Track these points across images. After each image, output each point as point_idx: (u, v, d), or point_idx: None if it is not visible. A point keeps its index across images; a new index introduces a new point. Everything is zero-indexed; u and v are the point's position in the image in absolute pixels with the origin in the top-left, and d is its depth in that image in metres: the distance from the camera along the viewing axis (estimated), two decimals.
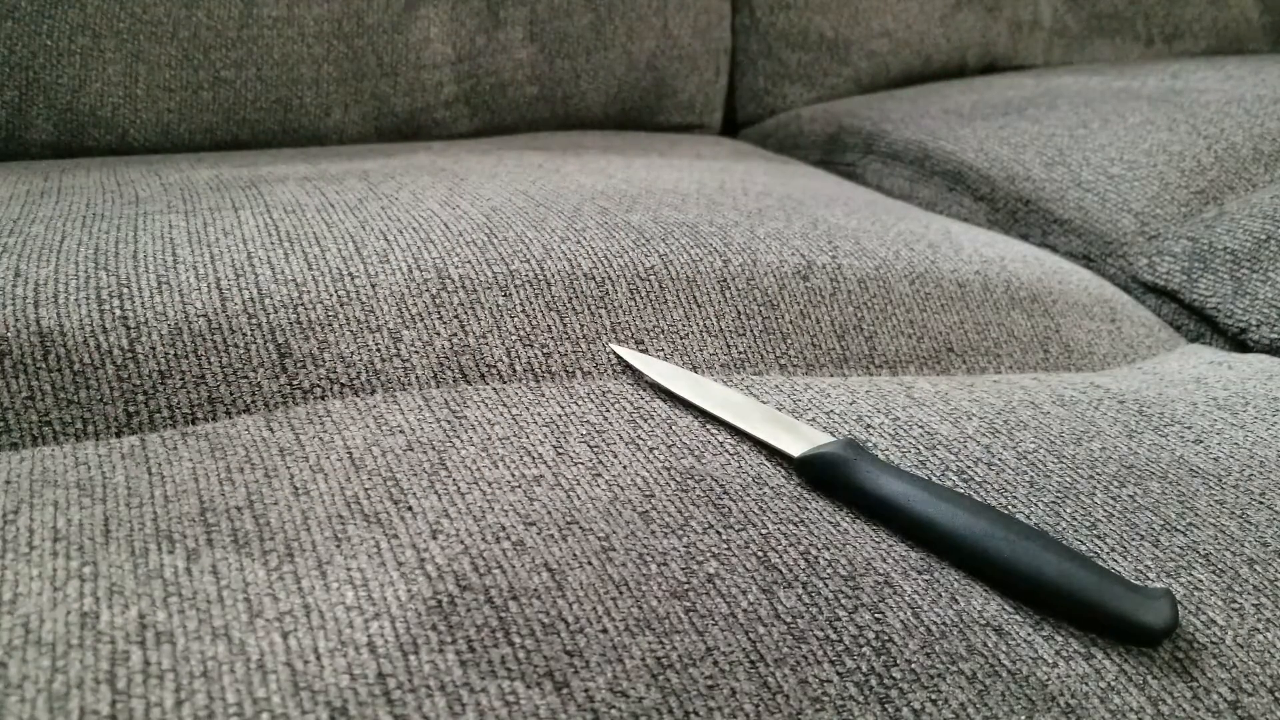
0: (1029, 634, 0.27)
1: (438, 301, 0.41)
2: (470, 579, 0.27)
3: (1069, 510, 0.33)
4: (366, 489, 0.31)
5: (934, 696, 0.25)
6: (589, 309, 0.43)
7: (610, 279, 0.44)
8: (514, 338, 0.41)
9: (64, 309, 0.38)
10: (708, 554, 0.29)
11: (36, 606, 0.26)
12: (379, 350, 0.39)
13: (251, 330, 0.39)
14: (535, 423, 0.35)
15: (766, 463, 0.34)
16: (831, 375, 0.44)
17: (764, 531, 0.30)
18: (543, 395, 0.37)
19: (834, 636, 0.27)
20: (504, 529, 0.29)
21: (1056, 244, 0.67)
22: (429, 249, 0.44)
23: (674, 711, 0.24)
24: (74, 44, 0.66)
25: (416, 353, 0.39)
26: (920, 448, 0.35)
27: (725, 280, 0.46)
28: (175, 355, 0.38)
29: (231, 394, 0.37)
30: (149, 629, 0.25)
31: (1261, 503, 0.34)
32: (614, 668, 0.25)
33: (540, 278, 0.43)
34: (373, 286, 0.41)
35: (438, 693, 0.24)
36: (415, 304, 0.41)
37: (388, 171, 0.56)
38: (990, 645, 0.27)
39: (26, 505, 0.30)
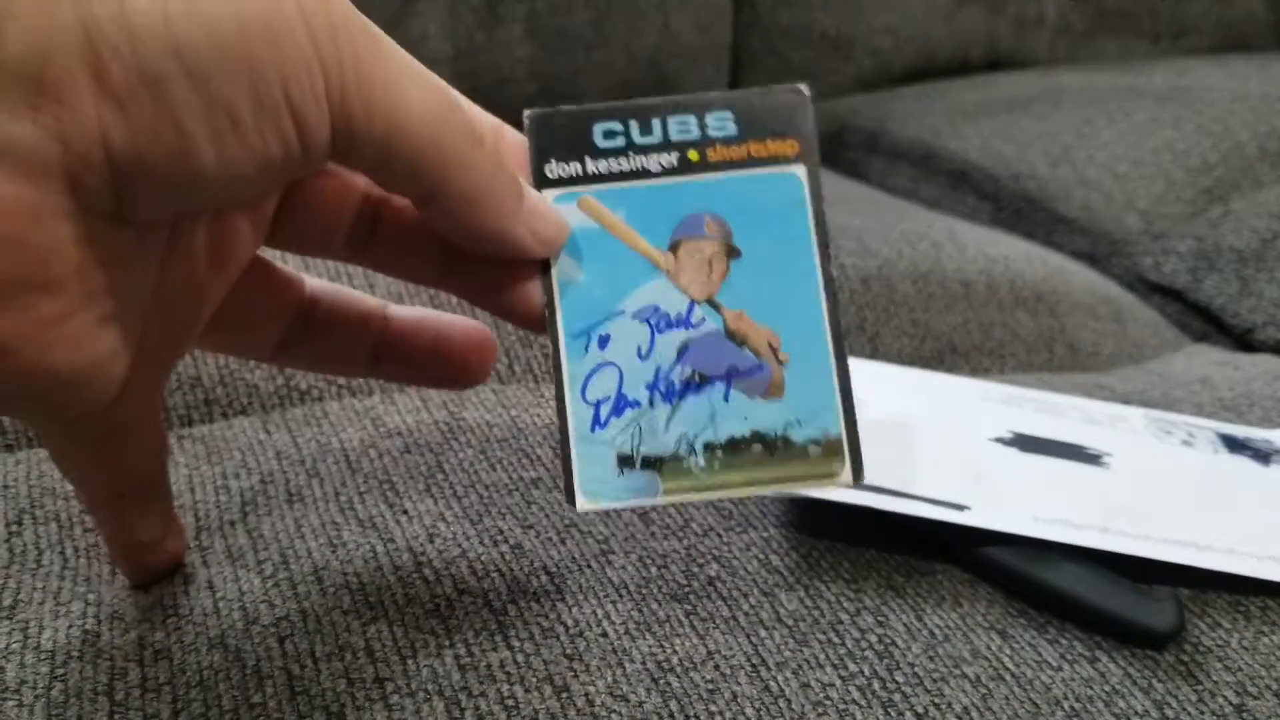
0: (1033, 637, 0.27)
1: (436, 302, 0.41)
2: (468, 582, 0.27)
3: None
4: (363, 492, 0.31)
5: (937, 700, 0.25)
6: None
7: None
8: (513, 338, 0.41)
9: None
10: (708, 556, 0.29)
11: (37, 615, 0.26)
12: None
13: None
14: (534, 425, 0.35)
15: None
16: None
17: (765, 534, 0.30)
18: (542, 396, 0.37)
19: (836, 640, 0.26)
20: (502, 532, 0.29)
21: (1061, 243, 0.67)
22: None
23: (675, 716, 0.24)
24: None
25: None
26: None
27: None
28: None
29: (228, 395, 0.37)
30: (147, 649, 0.25)
31: None
32: (614, 671, 0.25)
33: None
34: (370, 286, 0.41)
35: (436, 697, 0.24)
36: (413, 304, 0.40)
37: None
38: (994, 648, 0.27)
39: (29, 517, 0.30)
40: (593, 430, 0.24)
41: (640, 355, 0.25)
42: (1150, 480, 0.33)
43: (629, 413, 0.24)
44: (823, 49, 0.93)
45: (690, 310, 0.25)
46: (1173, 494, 0.32)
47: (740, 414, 0.24)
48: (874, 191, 0.71)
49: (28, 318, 0.18)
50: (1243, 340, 0.57)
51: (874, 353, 0.46)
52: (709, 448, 0.24)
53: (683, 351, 0.25)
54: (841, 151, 0.84)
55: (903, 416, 0.35)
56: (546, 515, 0.30)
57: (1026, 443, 0.34)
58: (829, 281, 0.25)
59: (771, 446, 0.24)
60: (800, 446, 0.24)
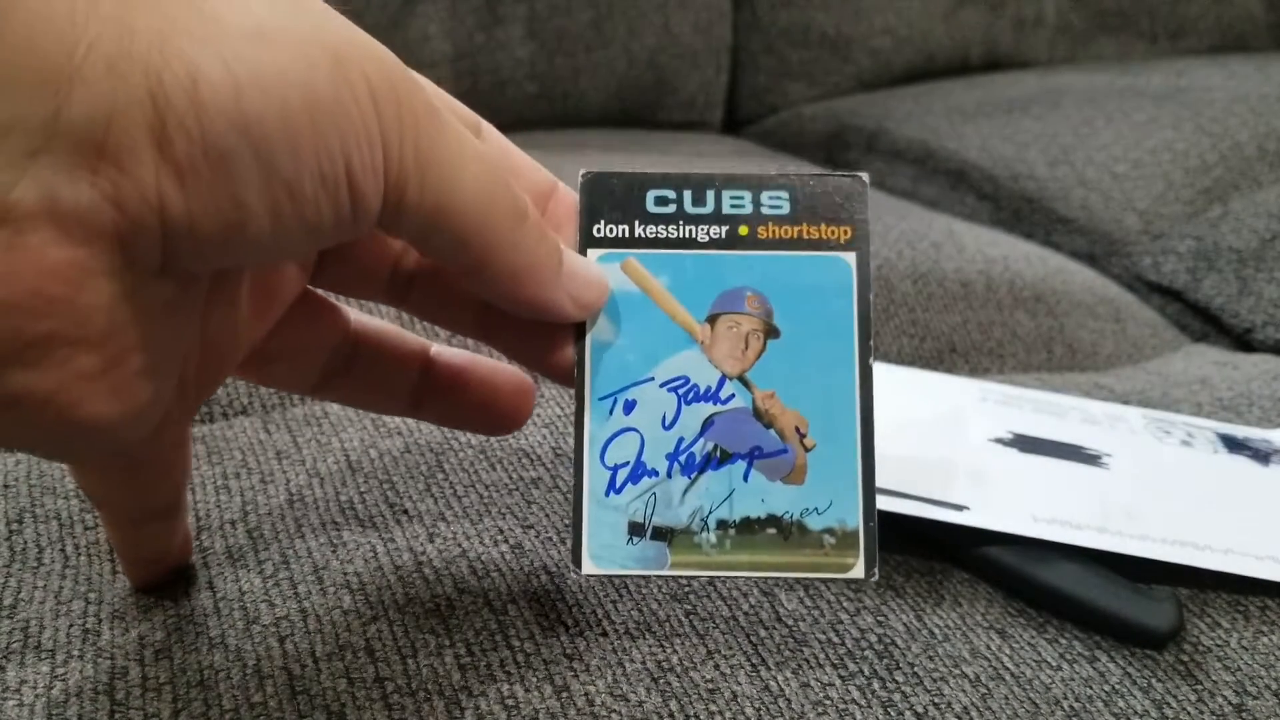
0: (1032, 637, 0.27)
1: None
2: (468, 582, 0.27)
3: None
4: (363, 492, 0.31)
5: (937, 700, 0.25)
6: None
7: None
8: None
9: None
10: None
11: (38, 613, 0.26)
12: None
13: None
14: (534, 424, 0.35)
15: None
16: None
17: None
18: (541, 396, 0.37)
19: (836, 639, 0.26)
20: (502, 532, 0.29)
21: (1060, 243, 0.67)
22: None
23: (674, 715, 0.24)
24: None
25: None
26: None
27: None
28: None
29: (228, 395, 0.37)
30: (148, 648, 0.25)
31: None
32: (614, 671, 0.25)
33: None
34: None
35: (436, 696, 0.24)
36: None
37: None
38: (993, 648, 0.27)
39: (30, 516, 0.30)
40: (607, 494, 0.24)
41: (664, 425, 0.24)
42: (1149, 480, 0.33)
43: (645, 481, 0.24)
44: (822, 49, 0.93)
45: (721, 385, 0.25)
46: (1171, 494, 0.32)
47: (758, 495, 0.24)
48: (874, 191, 0.71)
49: (66, 373, 0.17)
50: (1242, 340, 0.57)
51: (873, 352, 0.46)
52: (722, 525, 0.24)
53: (707, 425, 0.25)
54: (841, 151, 0.84)
55: (902, 416, 0.35)
56: (546, 515, 0.30)
57: (1025, 443, 0.34)
58: (866, 373, 0.25)
59: (786, 531, 0.24)
60: (815, 535, 0.24)
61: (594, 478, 0.24)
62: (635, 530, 0.24)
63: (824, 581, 0.27)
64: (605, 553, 0.24)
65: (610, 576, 0.25)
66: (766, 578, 0.24)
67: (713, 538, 0.24)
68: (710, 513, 0.24)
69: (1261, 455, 0.35)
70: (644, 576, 0.25)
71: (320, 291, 0.26)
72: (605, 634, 0.26)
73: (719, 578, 0.27)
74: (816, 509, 0.24)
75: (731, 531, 0.24)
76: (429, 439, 0.34)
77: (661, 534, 0.24)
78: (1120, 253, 0.64)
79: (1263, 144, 0.68)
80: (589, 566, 0.24)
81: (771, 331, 0.25)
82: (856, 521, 0.24)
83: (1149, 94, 0.77)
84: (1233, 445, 0.36)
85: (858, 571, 0.24)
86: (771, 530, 0.24)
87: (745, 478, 0.24)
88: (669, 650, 0.25)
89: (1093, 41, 1.00)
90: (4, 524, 0.30)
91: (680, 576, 0.25)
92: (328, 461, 0.32)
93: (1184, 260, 0.61)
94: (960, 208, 0.73)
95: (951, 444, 0.34)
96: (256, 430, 0.34)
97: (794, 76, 0.93)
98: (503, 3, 0.79)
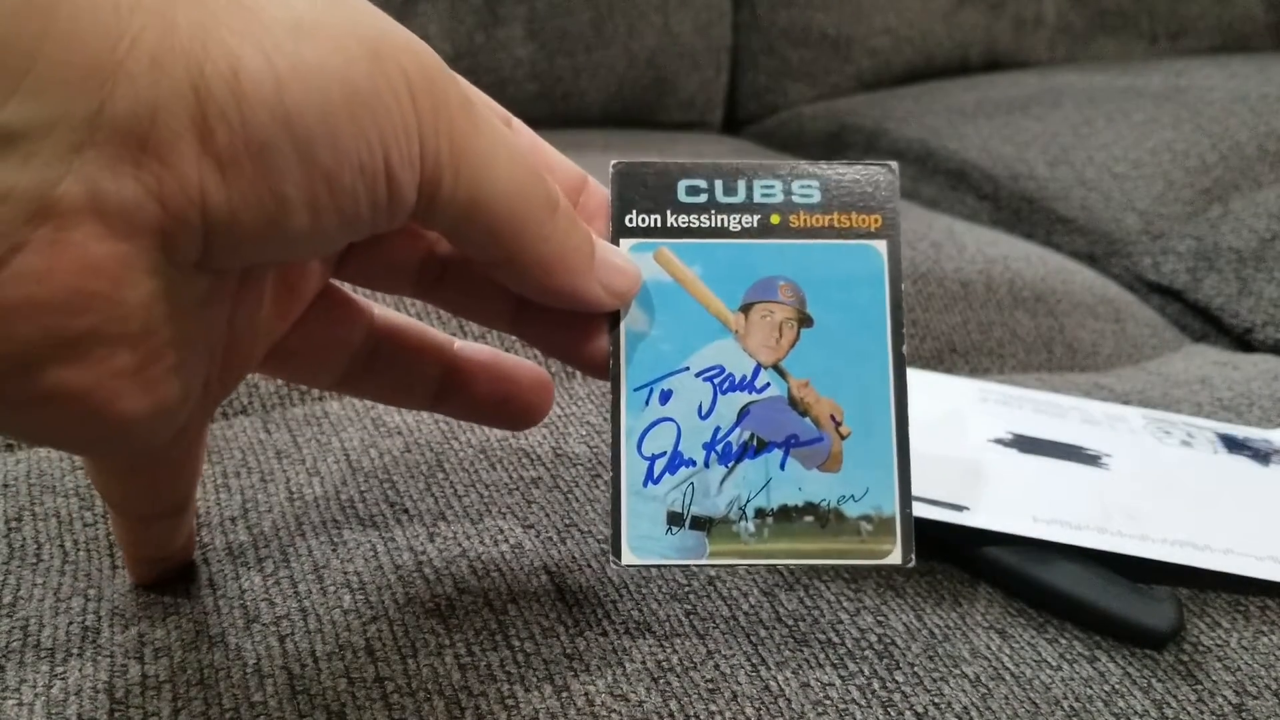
0: (1032, 637, 0.27)
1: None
2: (468, 582, 0.27)
3: None
4: (363, 491, 0.31)
5: (937, 700, 0.25)
6: None
7: None
8: (513, 337, 0.41)
9: None
10: None
11: (37, 611, 0.26)
12: None
13: None
14: None
15: None
16: None
17: None
18: None
19: (836, 639, 0.26)
20: (502, 531, 0.29)
21: (1060, 243, 0.67)
22: None
23: (675, 715, 0.24)
24: None
25: None
26: None
27: None
28: None
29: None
30: (148, 646, 0.25)
31: None
32: (614, 671, 0.25)
33: None
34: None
35: (436, 696, 0.24)
36: (413, 302, 0.40)
37: None
38: (993, 648, 0.27)
39: (29, 514, 0.30)
40: (645, 485, 0.24)
41: (700, 414, 0.25)
42: (1149, 480, 0.33)
43: (683, 471, 0.24)
44: (822, 49, 0.93)
45: (755, 374, 0.25)
46: (1172, 494, 0.32)
47: (795, 483, 0.24)
48: None
49: (103, 370, 0.17)
50: (1242, 340, 0.57)
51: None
52: (760, 514, 0.24)
53: (743, 415, 0.25)
54: (841, 151, 0.84)
55: None
56: (546, 515, 0.30)
57: (1025, 444, 0.34)
58: (899, 360, 0.25)
59: (823, 519, 0.24)
60: (852, 522, 0.24)
61: (631, 468, 0.24)
62: (674, 520, 0.24)
63: (862, 569, 0.27)
64: (644, 543, 0.24)
65: (650, 567, 0.25)
66: (804, 565, 0.24)
67: (751, 526, 0.24)
68: (748, 501, 0.24)
69: (1261, 455, 0.35)
70: (684, 566, 0.24)
71: (344, 287, 0.26)
72: (605, 634, 0.26)
73: (758, 566, 0.27)
74: (853, 496, 0.24)
75: (769, 520, 0.24)
76: (429, 439, 0.34)
77: (700, 523, 0.24)
78: (1120, 253, 0.64)
79: (1263, 144, 0.68)
80: (629, 557, 0.24)
81: (805, 320, 0.25)
82: (893, 508, 0.24)
83: (1149, 94, 0.77)
84: (1233, 445, 0.36)
85: (895, 558, 0.24)
86: (809, 518, 0.24)
87: (782, 466, 0.24)
88: (669, 650, 0.25)
89: (1093, 41, 1.00)
90: (3, 522, 0.30)
91: (720, 566, 0.24)
92: (328, 461, 0.32)
93: (1184, 260, 0.61)
94: (960, 208, 0.73)
95: (951, 444, 0.34)
96: (256, 430, 0.34)
97: (794, 76, 0.93)
98: (503, 3, 0.79)
